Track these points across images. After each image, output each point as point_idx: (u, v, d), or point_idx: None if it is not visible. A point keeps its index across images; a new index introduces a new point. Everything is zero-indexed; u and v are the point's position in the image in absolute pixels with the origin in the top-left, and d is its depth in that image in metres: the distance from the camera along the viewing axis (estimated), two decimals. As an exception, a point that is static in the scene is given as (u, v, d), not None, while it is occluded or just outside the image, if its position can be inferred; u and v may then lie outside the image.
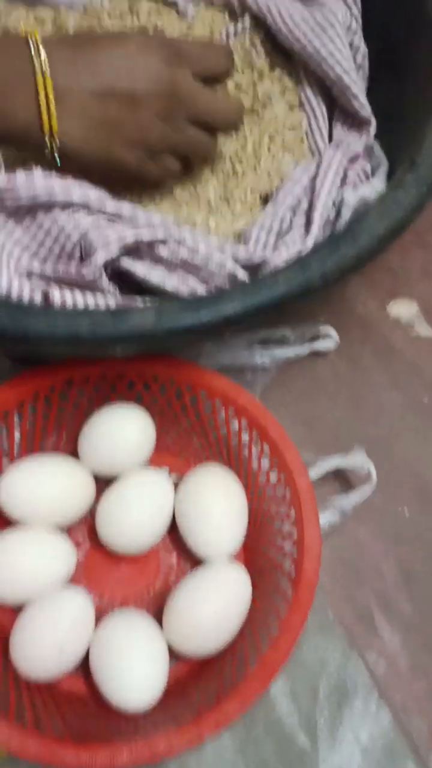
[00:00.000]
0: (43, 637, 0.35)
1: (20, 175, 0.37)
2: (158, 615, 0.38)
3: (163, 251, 0.38)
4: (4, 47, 0.37)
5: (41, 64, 0.36)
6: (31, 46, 0.37)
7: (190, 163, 0.45)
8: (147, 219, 0.39)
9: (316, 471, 0.41)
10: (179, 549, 0.41)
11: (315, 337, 0.47)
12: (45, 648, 0.35)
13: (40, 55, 0.36)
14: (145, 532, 0.39)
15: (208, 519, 0.38)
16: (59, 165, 0.39)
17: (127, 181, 0.43)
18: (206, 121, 0.42)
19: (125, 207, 0.38)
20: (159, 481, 0.40)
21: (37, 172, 0.37)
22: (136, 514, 0.39)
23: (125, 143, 0.39)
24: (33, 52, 0.37)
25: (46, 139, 0.37)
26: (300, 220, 0.43)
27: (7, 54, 0.37)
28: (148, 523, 0.39)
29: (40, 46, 0.37)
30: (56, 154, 0.38)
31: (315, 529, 0.36)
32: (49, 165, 0.39)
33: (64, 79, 0.37)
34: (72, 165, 0.39)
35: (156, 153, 0.41)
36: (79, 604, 0.36)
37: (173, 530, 0.40)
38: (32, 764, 0.36)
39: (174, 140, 0.41)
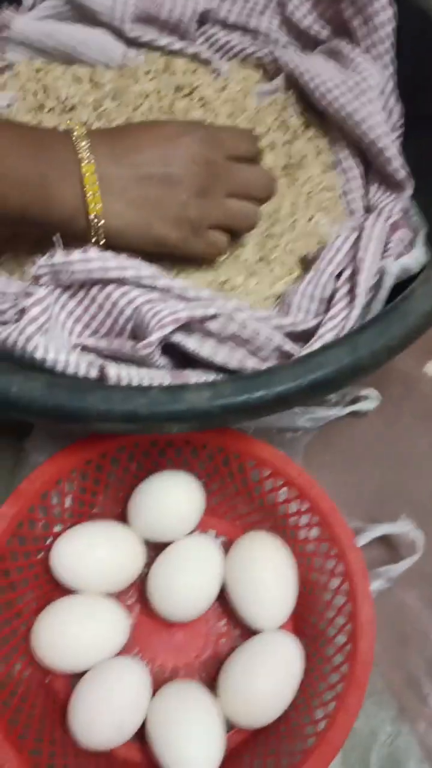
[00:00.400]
0: (101, 709, 0.35)
1: (77, 253, 0.38)
2: (208, 680, 0.39)
3: (213, 326, 0.38)
4: (50, 141, 0.39)
5: (84, 154, 0.39)
6: (74, 138, 0.39)
7: (236, 235, 0.46)
8: (197, 294, 0.39)
9: (362, 538, 0.41)
10: (228, 615, 0.41)
11: (355, 399, 0.48)
12: (103, 720, 0.35)
13: (82, 146, 0.39)
14: (195, 599, 0.40)
15: (259, 590, 0.39)
16: (103, 245, 0.40)
17: (173, 257, 0.44)
18: (243, 193, 0.44)
19: (176, 283, 0.39)
20: (209, 549, 0.40)
21: (93, 250, 0.38)
22: (187, 583, 0.39)
23: (167, 222, 0.41)
24: (76, 144, 0.39)
25: (92, 221, 0.39)
26: (344, 288, 0.43)
27: (52, 147, 0.39)
28: (198, 591, 0.40)
29: (83, 138, 0.39)
30: (101, 236, 0.40)
31: (369, 607, 0.36)
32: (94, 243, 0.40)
33: (105, 165, 0.39)
34: (116, 245, 0.40)
35: (200, 229, 0.42)
36: (137, 677, 0.36)
37: (222, 595, 0.41)
38: None
39: (215, 215, 0.42)
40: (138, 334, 0.39)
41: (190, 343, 0.38)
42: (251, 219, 0.45)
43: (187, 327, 0.38)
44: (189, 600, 0.40)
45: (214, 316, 0.38)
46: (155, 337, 0.36)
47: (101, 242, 0.40)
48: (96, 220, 0.39)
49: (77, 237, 0.40)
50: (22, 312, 0.36)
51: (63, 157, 0.39)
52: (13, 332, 0.35)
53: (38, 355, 0.35)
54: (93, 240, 0.40)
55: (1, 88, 0.53)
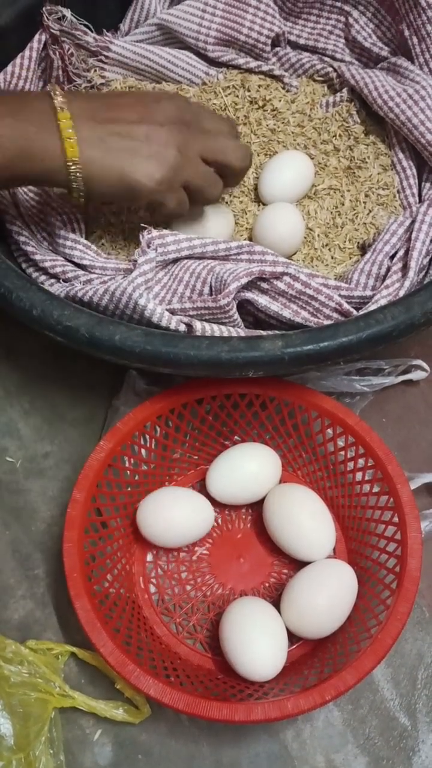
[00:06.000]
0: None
1: (169, 234, 0.45)
2: (273, 603, 0.44)
3: (281, 285, 0.44)
4: (29, 100, 0.43)
5: (61, 105, 0.42)
6: (52, 95, 0.42)
7: (197, 202, 0.48)
8: (262, 252, 0.46)
9: (411, 485, 0.46)
10: (287, 556, 0.46)
11: (407, 370, 0.53)
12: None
13: (59, 101, 0.42)
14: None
15: (299, 528, 0.44)
16: (84, 195, 0.43)
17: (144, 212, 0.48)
18: (218, 159, 0.46)
19: (245, 243, 0.46)
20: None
21: (181, 235, 0.45)
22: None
23: (143, 169, 0.43)
24: (53, 99, 0.42)
25: (69, 167, 0.42)
26: (397, 266, 0.49)
27: (31, 104, 0.42)
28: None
29: (60, 95, 0.42)
30: (80, 183, 0.42)
31: (417, 532, 0.41)
32: (77, 198, 0.44)
33: (82, 116, 0.42)
34: (94, 192, 0.43)
35: (173, 183, 0.44)
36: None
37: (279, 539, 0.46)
38: (170, 725, 0.42)
39: (188, 172, 0.45)
40: (216, 292, 0.45)
41: (262, 299, 0.44)
42: (216, 189, 0.47)
43: (258, 287, 0.45)
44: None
45: (282, 275, 0.44)
46: (233, 287, 0.42)
47: (81, 191, 0.43)
48: (72, 166, 0.42)
49: (62, 187, 0.43)
50: (133, 267, 0.43)
51: (41, 112, 0.41)
52: (123, 282, 0.42)
53: (141, 302, 0.41)
54: (74, 186, 0.43)
55: (99, 101, 0.61)
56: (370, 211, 0.56)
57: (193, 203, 0.47)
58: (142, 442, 0.47)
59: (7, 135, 0.41)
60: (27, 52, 0.56)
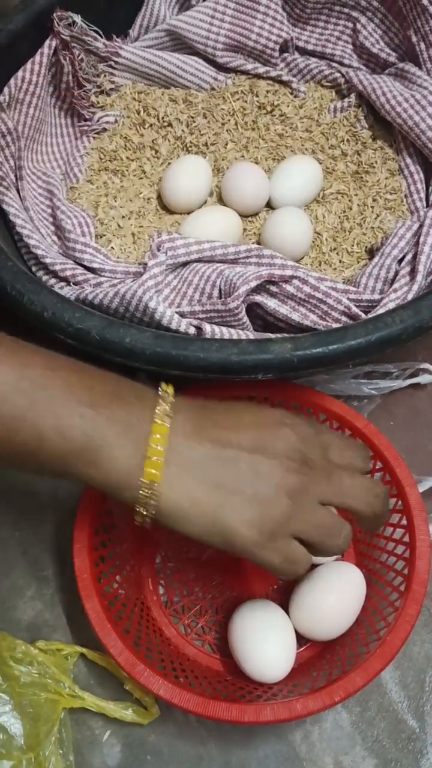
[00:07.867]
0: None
1: (179, 238, 0.45)
2: (282, 605, 0.44)
3: (290, 288, 0.45)
4: (128, 393, 0.35)
5: (161, 414, 0.34)
6: (161, 398, 0.35)
7: (317, 552, 0.36)
8: (271, 256, 0.46)
9: (419, 488, 0.46)
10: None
11: (415, 373, 0.53)
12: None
13: (163, 408, 0.35)
14: None
15: None
16: (150, 521, 0.34)
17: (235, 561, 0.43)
18: (344, 503, 0.37)
19: (254, 247, 0.46)
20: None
21: (190, 239, 0.45)
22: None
23: (241, 514, 0.34)
24: (158, 404, 0.35)
25: (142, 488, 0.33)
26: (405, 269, 0.49)
27: (129, 402, 0.35)
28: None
29: (167, 401, 0.35)
30: (150, 509, 0.34)
31: (425, 534, 0.41)
32: (139, 522, 0.35)
33: (181, 432, 0.34)
34: (169, 525, 0.34)
35: (279, 536, 0.34)
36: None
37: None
38: (179, 727, 0.42)
39: (300, 523, 0.35)
40: (226, 295, 0.45)
41: (271, 303, 0.44)
42: (340, 538, 0.36)
43: (268, 290, 0.45)
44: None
45: (291, 279, 0.44)
46: (242, 290, 0.43)
47: (148, 518, 0.34)
48: (147, 489, 0.33)
49: (122, 503, 0.35)
50: (143, 270, 0.43)
51: (134, 413, 0.34)
52: (133, 285, 0.42)
53: (152, 304, 0.42)
54: (139, 511, 0.34)
55: (109, 107, 0.62)
56: (377, 216, 0.57)
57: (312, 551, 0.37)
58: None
59: (77, 427, 0.33)
60: (38, 58, 0.57)
